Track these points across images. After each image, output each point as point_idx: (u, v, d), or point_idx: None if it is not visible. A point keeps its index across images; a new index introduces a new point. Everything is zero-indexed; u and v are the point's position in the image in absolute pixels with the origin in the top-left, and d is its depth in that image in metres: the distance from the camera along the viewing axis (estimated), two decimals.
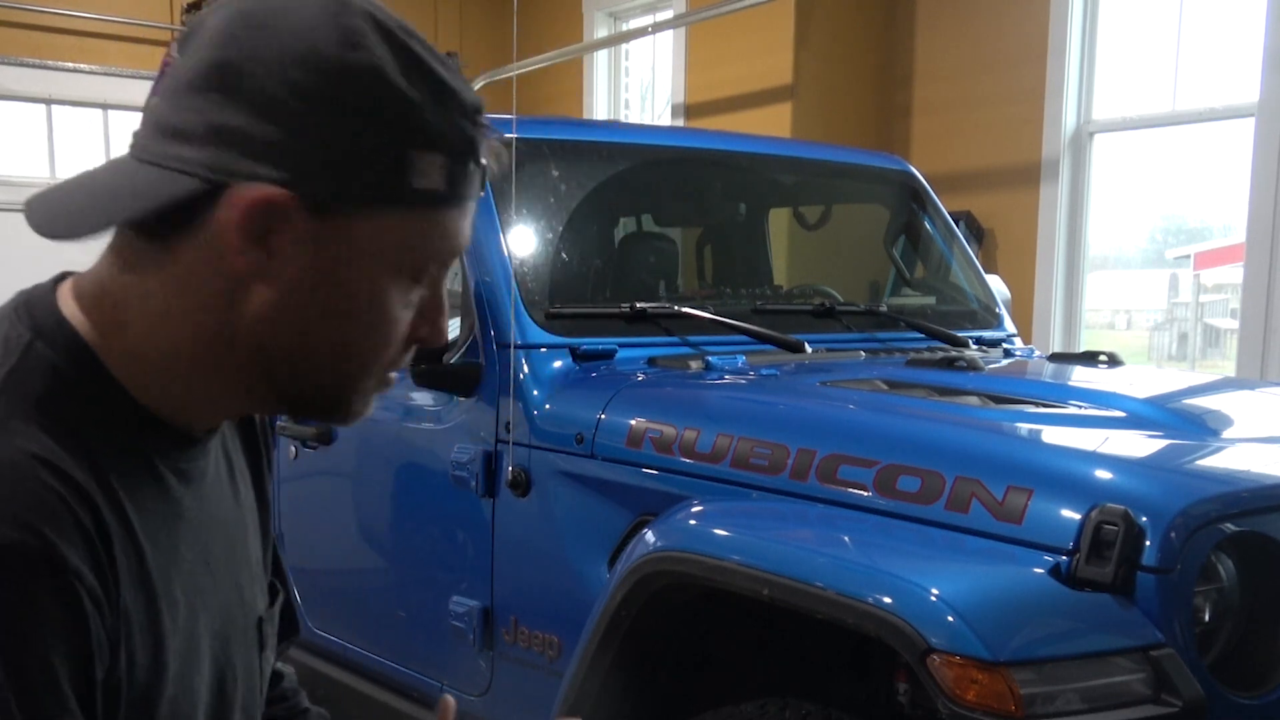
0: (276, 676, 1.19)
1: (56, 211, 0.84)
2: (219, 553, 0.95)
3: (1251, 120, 4.29)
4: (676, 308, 2.60)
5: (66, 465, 0.78)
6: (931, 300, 3.28)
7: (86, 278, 0.89)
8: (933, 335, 2.90)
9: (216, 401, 0.90)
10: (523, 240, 2.53)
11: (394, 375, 0.94)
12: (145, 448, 0.86)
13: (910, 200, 3.33)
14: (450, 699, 1.15)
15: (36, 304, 0.88)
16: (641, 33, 6.44)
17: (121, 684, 0.80)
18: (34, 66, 6.27)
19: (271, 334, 0.85)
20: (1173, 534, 1.54)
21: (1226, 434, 2.03)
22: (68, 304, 0.87)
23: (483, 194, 0.91)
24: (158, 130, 0.83)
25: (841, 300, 2.96)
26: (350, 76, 0.80)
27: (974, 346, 2.93)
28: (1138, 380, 2.51)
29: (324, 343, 0.87)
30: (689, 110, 6.05)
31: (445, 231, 0.87)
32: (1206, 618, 1.60)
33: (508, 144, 0.85)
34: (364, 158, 0.81)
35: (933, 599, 1.49)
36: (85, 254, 0.90)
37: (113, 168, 0.85)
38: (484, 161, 0.88)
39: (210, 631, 0.93)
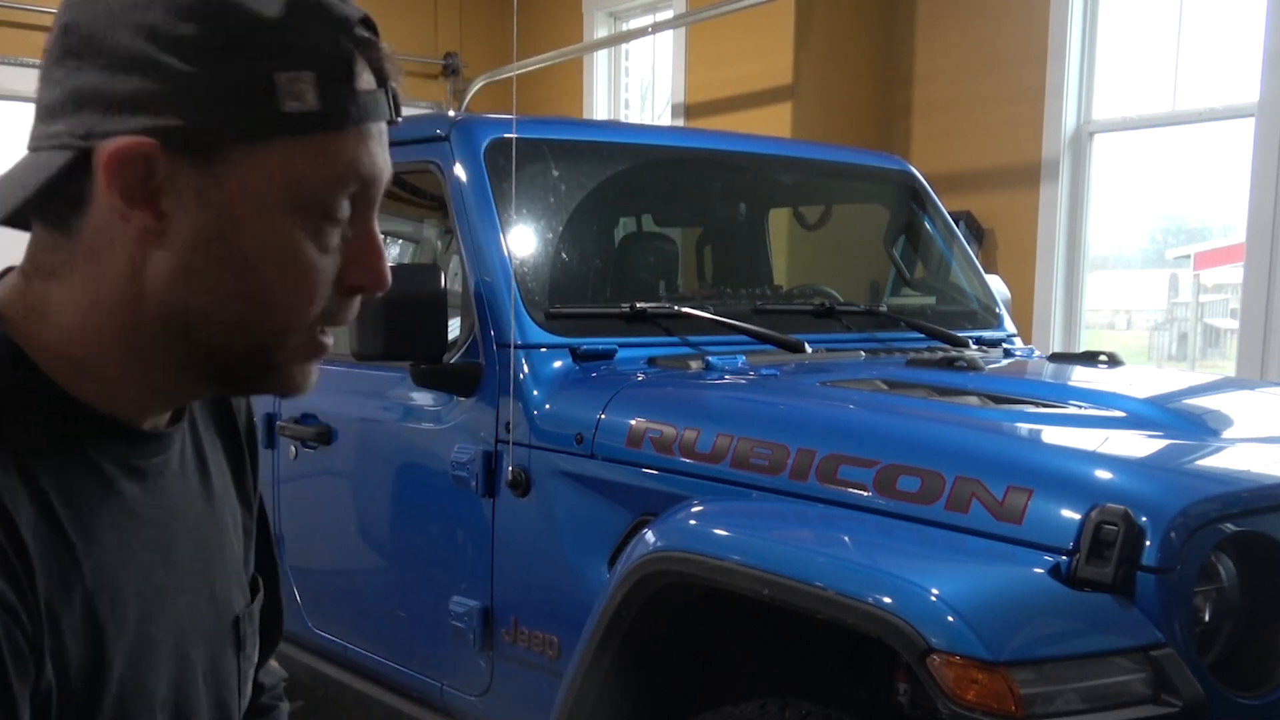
0: (258, 688, 1.15)
1: None
2: (184, 549, 0.92)
3: (1251, 120, 4.29)
4: (676, 308, 2.60)
5: None
6: (931, 300, 3.28)
7: (10, 275, 0.87)
8: (933, 335, 2.90)
9: (151, 388, 0.86)
10: (523, 240, 2.53)
11: (328, 339, 0.88)
12: (84, 444, 0.83)
13: (910, 200, 3.34)
14: None
15: None
16: (641, 33, 6.44)
17: (52, 689, 0.78)
18: (34, 66, 6.25)
19: (181, 300, 0.81)
20: (1173, 534, 1.54)
21: (1226, 434, 2.03)
22: (2, 294, 0.85)
23: (398, 118, 0.85)
24: (37, 116, 0.83)
25: (841, 300, 2.96)
26: (196, 7, 0.77)
27: (974, 346, 2.93)
28: (1138, 380, 2.51)
29: (235, 299, 0.82)
30: (689, 110, 6.05)
31: (338, 157, 0.81)
32: (1206, 618, 1.60)
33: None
34: (225, 90, 0.77)
35: (933, 599, 1.49)
36: None
37: (18, 164, 0.84)
38: (363, 75, 0.82)
39: (170, 630, 0.90)
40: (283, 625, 1.16)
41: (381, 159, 0.85)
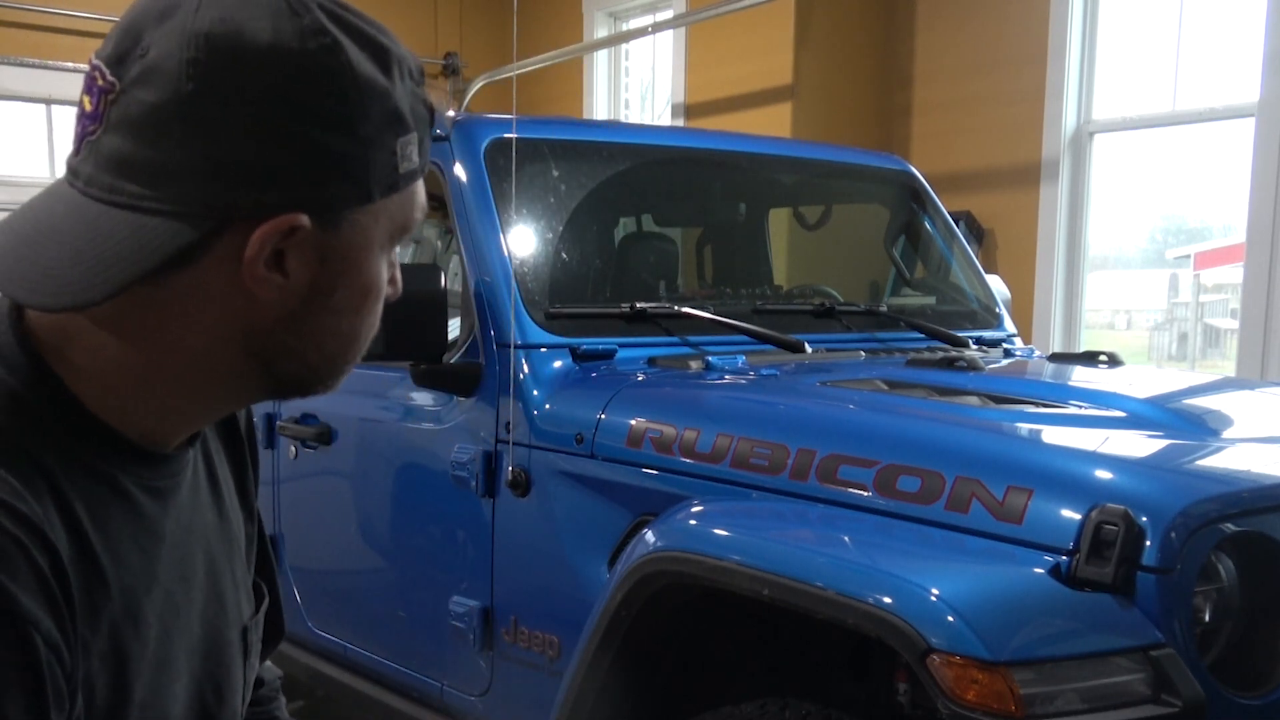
0: (257, 682, 1.16)
1: (26, 272, 0.77)
2: (199, 565, 0.93)
3: (1251, 120, 4.29)
4: (676, 308, 2.60)
5: (24, 504, 0.75)
6: (931, 300, 3.28)
7: None
8: (933, 335, 2.90)
9: (194, 414, 0.88)
10: (523, 240, 2.53)
11: None
12: (112, 469, 0.84)
13: (910, 200, 3.33)
14: None
15: None
16: (641, 33, 6.44)
17: (80, 718, 0.78)
18: (34, 66, 6.27)
19: (280, 344, 0.84)
20: (1173, 534, 1.54)
21: (1226, 434, 2.03)
22: (30, 323, 0.83)
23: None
24: (124, 167, 0.77)
25: (841, 300, 2.96)
26: (334, 86, 0.78)
27: (974, 346, 2.92)
28: (1138, 380, 2.51)
29: (330, 338, 0.86)
30: (689, 110, 6.05)
31: (418, 199, 0.88)
32: (1206, 618, 1.60)
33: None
34: (361, 161, 0.80)
35: (932, 599, 1.49)
36: None
37: (72, 209, 0.79)
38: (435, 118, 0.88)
39: (186, 648, 0.91)
40: (284, 626, 1.17)
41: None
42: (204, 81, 0.76)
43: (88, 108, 0.79)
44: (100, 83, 0.78)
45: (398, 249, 0.90)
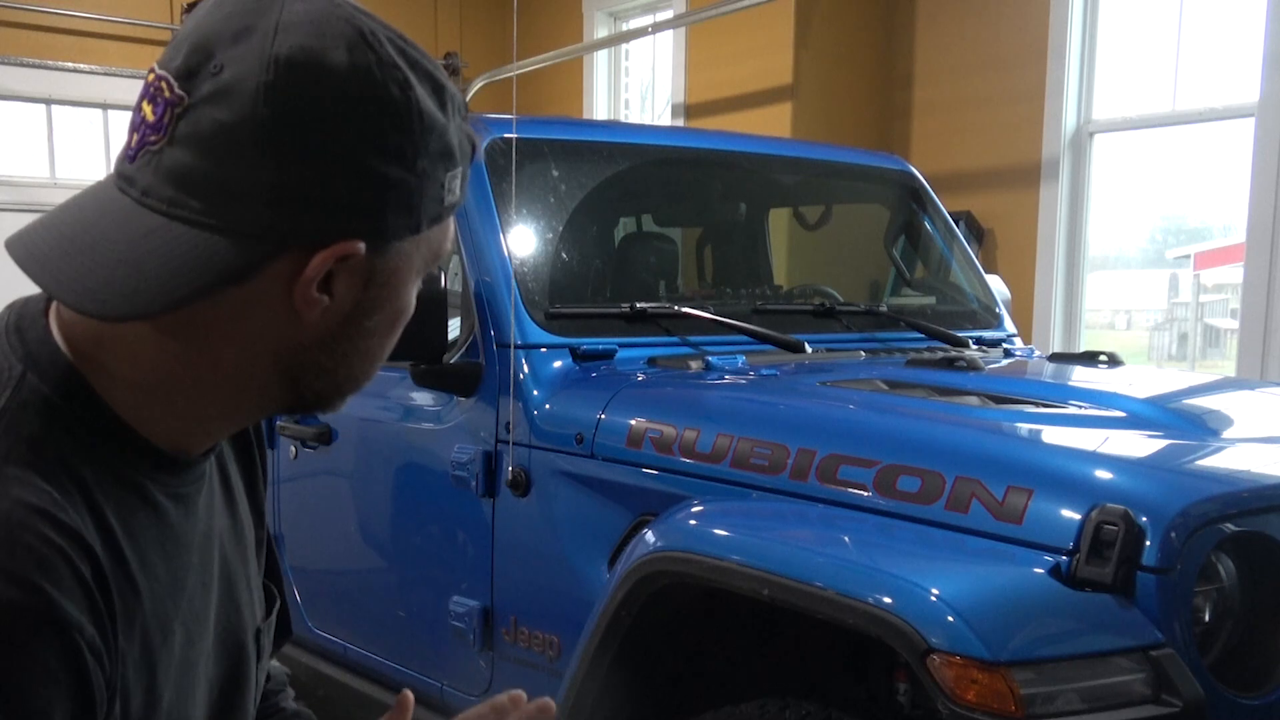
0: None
1: (81, 278, 0.77)
2: (216, 571, 0.94)
3: (1251, 120, 4.29)
4: (676, 308, 2.60)
5: (64, 513, 0.76)
6: (931, 300, 3.28)
7: None
8: (933, 335, 2.90)
9: (220, 425, 0.90)
10: (523, 240, 2.53)
11: None
12: (142, 476, 0.84)
13: (910, 200, 3.33)
14: (408, 693, 1.16)
15: (28, 327, 0.84)
16: (641, 33, 6.44)
17: None
18: (34, 66, 6.27)
19: (314, 361, 0.86)
20: (1173, 534, 1.54)
21: (1226, 434, 2.03)
22: (61, 327, 0.83)
23: None
24: (188, 182, 0.77)
25: (841, 300, 2.96)
26: (404, 121, 0.79)
27: (974, 346, 2.92)
28: (1138, 380, 2.51)
29: (361, 358, 0.89)
30: (689, 110, 6.05)
31: (450, 229, 0.90)
32: (1206, 618, 1.60)
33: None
34: (417, 194, 0.82)
35: (932, 599, 1.49)
36: None
37: (127, 218, 0.78)
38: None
39: (206, 654, 0.91)
40: (291, 626, 1.18)
41: None
42: (281, 107, 0.76)
43: (149, 117, 0.78)
44: (168, 95, 0.77)
45: None
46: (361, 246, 0.80)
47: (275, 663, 1.23)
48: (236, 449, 1.04)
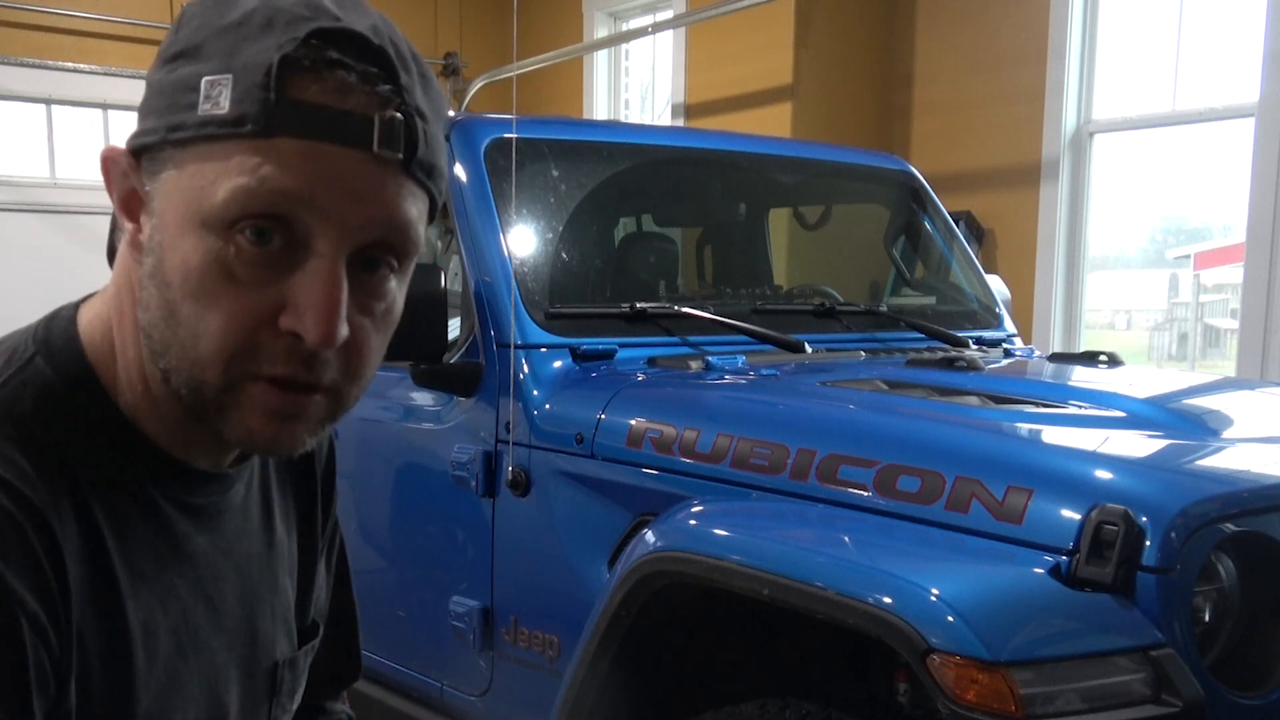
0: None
1: None
2: (231, 593, 0.92)
3: (1251, 120, 4.29)
4: (676, 308, 2.60)
5: (31, 489, 0.74)
6: (931, 300, 3.28)
7: (99, 295, 0.86)
8: (933, 335, 2.90)
9: (202, 434, 0.83)
10: (523, 240, 2.53)
11: (296, 394, 0.78)
12: (140, 477, 0.83)
13: (910, 200, 3.33)
14: None
15: (57, 319, 0.85)
16: (641, 33, 6.44)
17: (73, 713, 0.77)
18: (34, 66, 6.27)
19: (143, 318, 0.79)
20: (1173, 534, 1.54)
21: (1226, 434, 2.03)
22: (90, 318, 0.84)
23: (392, 149, 0.76)
24: None
25: (841, 300, 2.96)
26: (182, 17, 0.79)
27: (974, 346, 2.92)
28: (1138, 380, 2.51)
29: (160, 318, 0.78)
30: (689, 110, 6.04)
31: (246, 167, 0.74)
32: (1206, 618, 1.60)
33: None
34: (166, 95, 0.77)
35: (932, 599, 1.49)
36: (90, 254, 0.88)
37: None
38: (310, 87, 0.74)
39: (201, 671, 0.89)
40: (358, 667, 1.15)
41: (331, 183, 0.75)
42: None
43: None
44: None
45: (313, 272, 0.76)
46: (118, 150, 0.79)
47: (343, 707, 1.21)
48: (295, 478, 1.02)
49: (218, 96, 0.74)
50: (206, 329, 0.76)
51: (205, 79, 0.75)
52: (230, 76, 0.74)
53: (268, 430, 0.79)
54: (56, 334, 0.83)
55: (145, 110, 0.79)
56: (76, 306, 0.86)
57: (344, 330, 0.77)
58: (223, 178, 0.74)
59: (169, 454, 0.84)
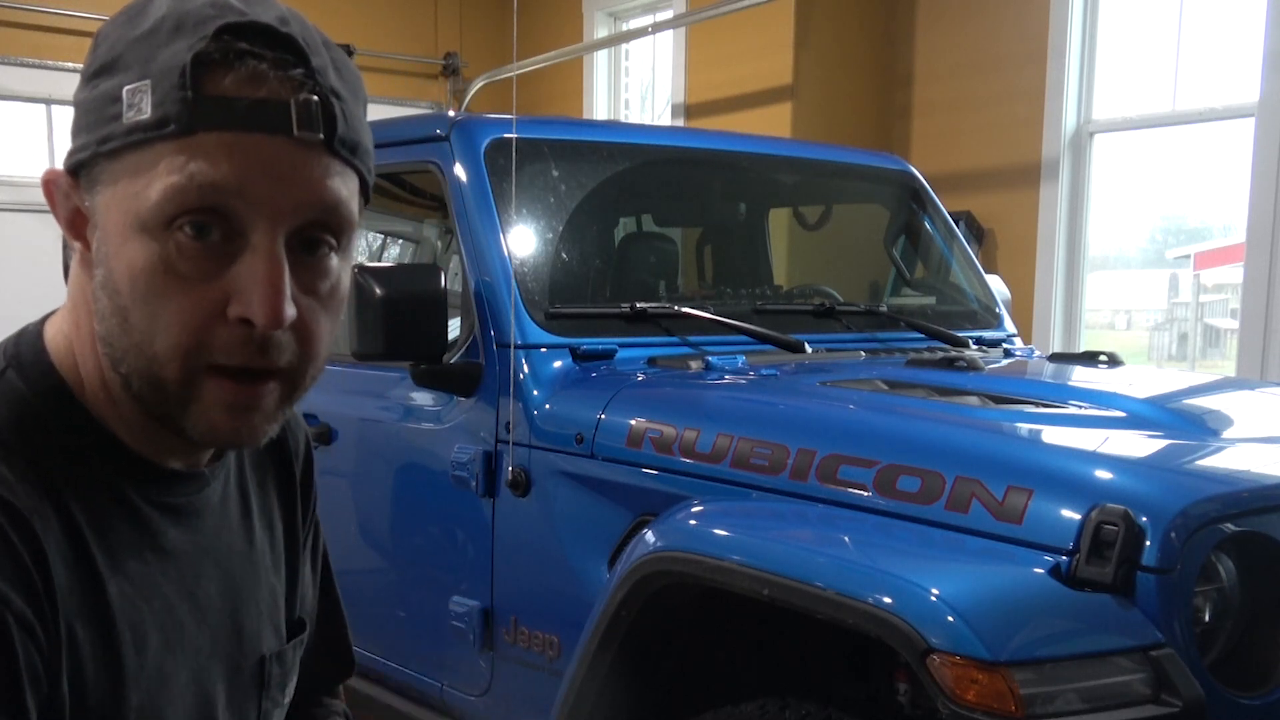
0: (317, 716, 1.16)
1: None
2: (214, 589, 0.93)
3: (1251, 120, 4.29)
4: (676, 308, 2.60)
5: (11, 494, 0.76)
6: (931, 300, 3.28)
7: (59, 312, 0.88)
8: (933, 335, 2.90)
9: (168, 436, 0.85)
10: (523, 240, 2.53)
11: (251, 385, 0.81)
12: (116, 480, 0.84)
13: (910, 200, 3.33)
14: None
15: (25, 335, 0.87)
16: (641, 33, 6.44)
17: (65, 711, 0.78)
18: (34, 66, 6.27)
19: (99, 329, 0.82)
20: (1173, 534, 1.54)
21: (1226, 434, 2.03)
22: (54, 334, 0.86)
23: (312, 130, 0.78)
24: None
25: (841, 300, 2.95)
26: (100, 35, 0.82)
27: (974, 346, 2.92)
28: (1138, 380, 2.51)
29: (115, 326, 0.80)
30: (689, 110, 6.04)
31: (174, 165, 0.76)
32: (1206, 618, 1.60)
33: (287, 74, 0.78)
34: (93, 111, 0.79)
35: (932, 599, 1.49)
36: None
37: None
38: (223, 81, 0.76)
39: (189, 666, 0.90)
40: (350, 662, 1.16)
41: (258, 170, 0.77)
42: None
43: None
44: None
45: (256, 256, 0.78)
46: (56, 172, 0.81)
47: (340, 704, 1.21)
48: (275, 476, 1.03)
49: (140, 103, 0.76)
50: (159, 328, 0.78)
51: (126, 88, 0.77)
52: (149, 82, 0.77)
53: (229, 424, 0.82)
54: (25, 349, 0.85)
55: (76, 129, 0.81)
56: (41, 323, 0.88)
57: (290, 310, 0.79)
58: (154, 180, 0.76)
59: (143, 456, 0.86)
